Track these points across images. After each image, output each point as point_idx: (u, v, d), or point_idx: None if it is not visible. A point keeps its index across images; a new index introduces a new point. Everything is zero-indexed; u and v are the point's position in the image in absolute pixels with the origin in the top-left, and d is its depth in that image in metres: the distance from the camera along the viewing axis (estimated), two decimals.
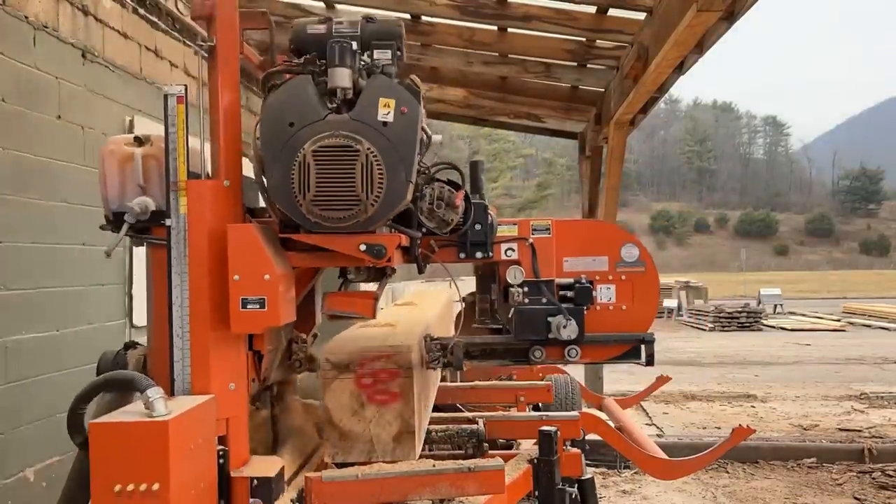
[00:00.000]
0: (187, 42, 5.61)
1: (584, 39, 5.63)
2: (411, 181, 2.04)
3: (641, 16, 4.80)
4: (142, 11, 4.91)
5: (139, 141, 2.13)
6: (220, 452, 1.85)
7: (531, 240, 2.54)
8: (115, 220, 2.10)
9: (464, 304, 2.90)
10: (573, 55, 5.92)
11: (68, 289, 4.04)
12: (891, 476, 5.78)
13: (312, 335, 2.54)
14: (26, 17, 3.72)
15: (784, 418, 7.76)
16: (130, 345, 2.25)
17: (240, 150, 2.11)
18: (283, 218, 2.06)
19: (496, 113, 7.83)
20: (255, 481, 1.86)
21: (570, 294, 2.49)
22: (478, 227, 2.41)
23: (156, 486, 1.56)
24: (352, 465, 2.01)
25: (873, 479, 5.77)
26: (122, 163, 2.11)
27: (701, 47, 4.61)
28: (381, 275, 2.31)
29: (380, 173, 1.94)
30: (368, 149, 1.94)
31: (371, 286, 2.32)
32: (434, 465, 1.96)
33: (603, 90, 6.53)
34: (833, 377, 10.86)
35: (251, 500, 1.86)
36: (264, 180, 2.05)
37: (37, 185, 3.78)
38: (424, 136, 2.21)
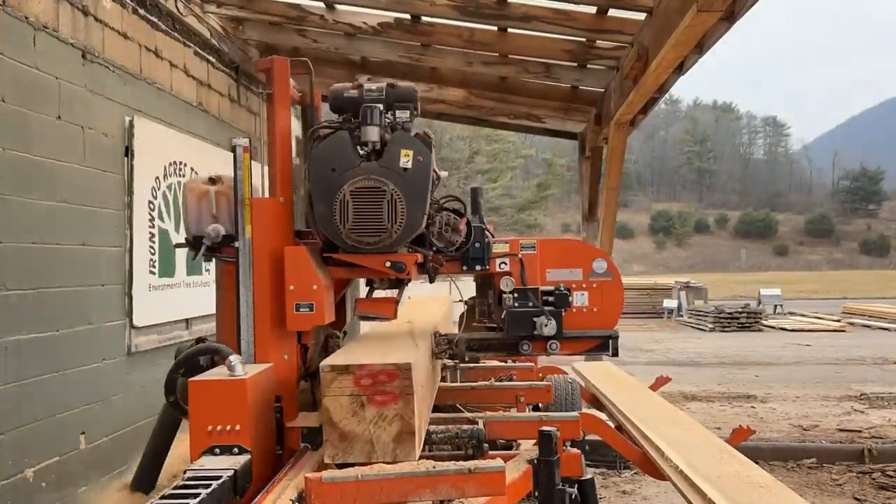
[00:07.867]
0: (187, 42, 5.61)
1: (583, 40, 5.63)
2: (425, 213, 2.51)
3: (641, 16, 4.80)
4: (142, 12, 4.91)
5: (213, 180, 2.66)
6: (277, 408, 2.36)
7: (520, 255, 3.01)
8: (194, 242, 2.63)
9: (466, 307, 3.43)
10: (573, 55, 5.92)
11: (68, 289, 4.04)
12: (891, 476, 5.78)
13: (343, 332, 3.05)
14: (26, 18, 3.72)
15: (784, 419, 7.75)
16: (201, 339, 2.69)
17: (290, 173, 2.59)
18: (325, 241, 2.53)
19: (496, 113, 7.82)
20: (305, 430, 2.37)
21: (551, 299, 2.94)
22: (477, 245, 2.88)
23: (238, 427, 2.03)
24: (352, 465, 2.01)
25: (873, 479, 5.76)
26: (199, 197, 2.64)
27: (701, 47, 4.61)
28: (400, 283, 2.78)
29: (402, 208, 2.40)
30: (393, 189, 2.40)
31: (391, 292, 2.77)
32: (434, 467, 1.95)
33: (603, 90, 6.53)
34: (833, 377, 10.85)
35: (301, 444, 2.35)
36: (312, 212, 2.49)
37: (37, 185, 3.78)
38: (435, 176, 2.65)
